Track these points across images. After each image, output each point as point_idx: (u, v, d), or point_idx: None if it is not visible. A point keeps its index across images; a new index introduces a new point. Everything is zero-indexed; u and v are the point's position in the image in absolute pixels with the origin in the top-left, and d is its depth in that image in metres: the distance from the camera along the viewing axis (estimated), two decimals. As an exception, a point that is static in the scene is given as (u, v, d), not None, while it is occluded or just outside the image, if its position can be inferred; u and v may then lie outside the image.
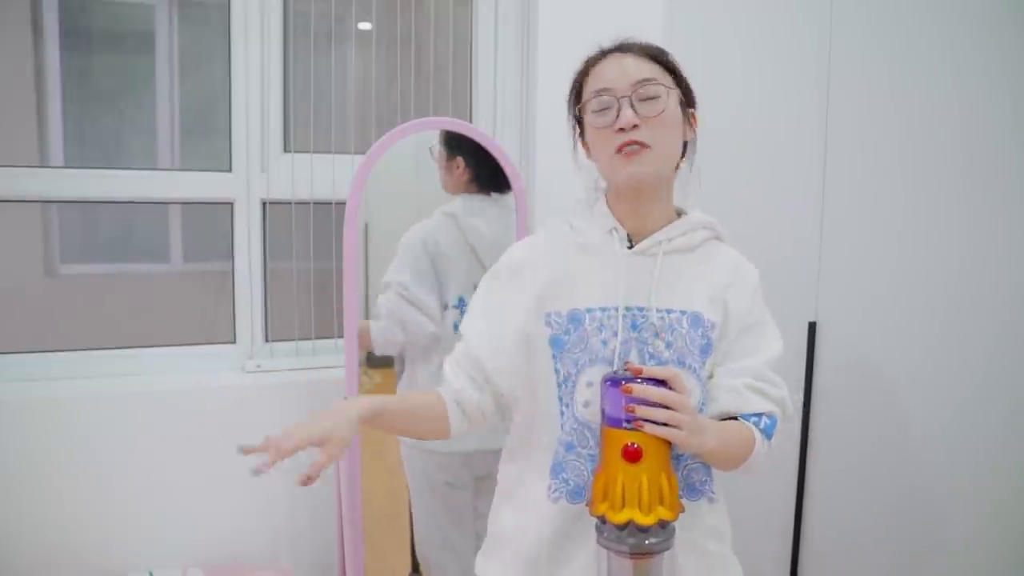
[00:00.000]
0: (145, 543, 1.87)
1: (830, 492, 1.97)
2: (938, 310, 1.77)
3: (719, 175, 2.11)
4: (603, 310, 1.14)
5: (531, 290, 1.17)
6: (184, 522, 1.90)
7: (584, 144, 1.21)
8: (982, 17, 1.69)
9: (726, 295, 1.17)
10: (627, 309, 1.13)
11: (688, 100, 1.20)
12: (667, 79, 1.16)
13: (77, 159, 2.23)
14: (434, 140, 1.89)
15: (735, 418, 1.14)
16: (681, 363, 1.12)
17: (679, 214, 1.22)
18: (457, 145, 1.87)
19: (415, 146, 1.85)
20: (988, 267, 1.69)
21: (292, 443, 1.03)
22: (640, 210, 1.17)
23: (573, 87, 1.22)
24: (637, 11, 2.03)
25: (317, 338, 2.07)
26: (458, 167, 1.88)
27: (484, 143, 1.84)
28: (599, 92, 1.14)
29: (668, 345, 1.12)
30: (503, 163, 1.85)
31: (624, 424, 0.98)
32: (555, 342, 1.14)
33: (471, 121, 2.17)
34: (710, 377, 1.16)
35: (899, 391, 1.85)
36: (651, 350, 1.12)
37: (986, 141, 1.69)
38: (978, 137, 1.70)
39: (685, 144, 1.20)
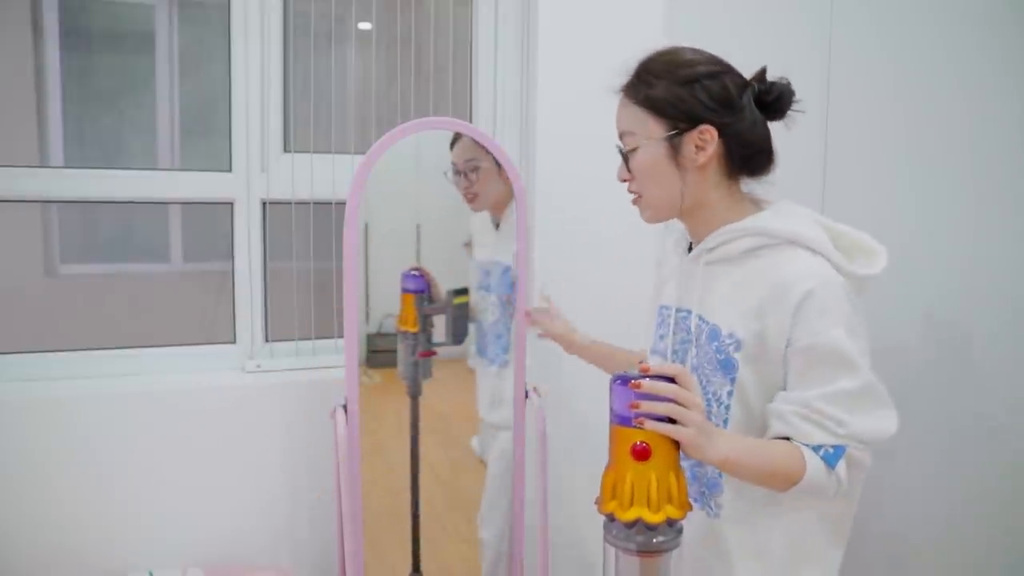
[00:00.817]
0: (145, 543, 1.87)
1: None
2: (940, 310, 1.77)
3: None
4: (666, 308, 1.26)
5: (657, 287, 1.35)
6: (184, 522, 1.90)
7: None
8: (984, 16, 1.69)
9: (763, 315, 1.09)
10: (688, 312, 1.20)
11: (685, 123, 1.14)
12: (644, 123, 1.15)
13: (77, 159, 2.23)
14: (446, 165, 1.87)
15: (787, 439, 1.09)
16: (695, 370, 1.15)
17: (759, 208, 1.20)
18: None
19: (415, 146, 1.84)
20: (991, 267, 1.69)
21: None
22: (690, 225, 1.23)
23: None
24: (637, 11, 2.03)
25: (317, 338, 2.07)
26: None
27: (484, 143, 1.84)
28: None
29: (696, 353, 1.17)
30: (503, 163, 1.84)
31: (632, 422, 0.98)
32: None
33: (471, 121, 2.17)
34: (770, 402, 1.11)
35: (900, 391, 1.85)
36: (692, 354, 1.18)
37: (988, 141, 1.69)
38: (980, 136, 1.70)
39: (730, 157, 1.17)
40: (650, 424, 0.96)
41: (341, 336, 1.91)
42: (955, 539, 1.76)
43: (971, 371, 1.73)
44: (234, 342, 2.05)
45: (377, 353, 1.91)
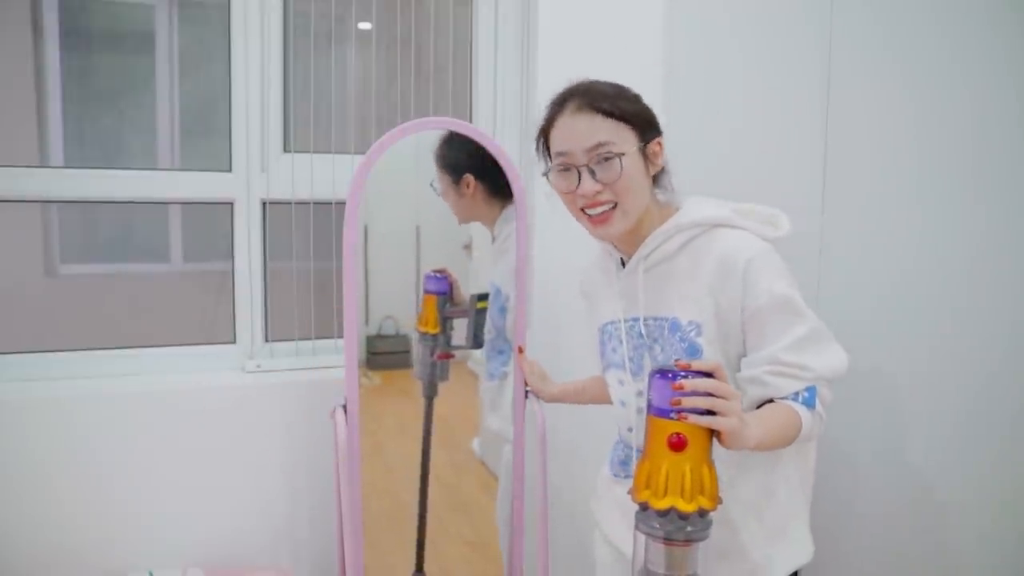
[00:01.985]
0: (145, 543, 1.87)
1: (831, 493, 1.97)
2: (940, 309, 1.77)
3: (719, 175, 2.10)
4: (612, 323, 1.32)
5: (588, 308, 1.43)
6: (184, 522, 1.90)
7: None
8: (984, 15, 1.69)
9: (714, 292, 1.20)
10: (634, 321, 1.27)
11: (649, 134, 1.23)
12: (621, 133, 1.20)
13: (77, 159, 2.23)
14: (432, 177, 1.86)
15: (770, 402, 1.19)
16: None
17: (677, 209, 1.28)
18: (460, 163, 1.82)
19: (415, 146, 1.84)
20: (991, 266, 1.69)
21: None
22: (626, 238, 1.28)
23: (541, 136, 1.28)
24: (637, 11, 2.03)
25: (317, 338, 2.07)
26: (465, 184, 1.85)
27: (484, 143, 1.83)
28: (559, 154, 1.23)
29: (662, 349, 1.24)
30: (503, 163, 1.84)
31: (671, 415, 1.01)
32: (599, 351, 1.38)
33: (471, 121, 2.17)
34: (737, 372, 1.22)
35: (901, 391, 1.85)
36: (652, 354, 1.25)
37: (988, 140, 1.69)
38: (980, 136, 1.70)
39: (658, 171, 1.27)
40: (693, 418, 1.00)
41: (341, 336, 1.91)
42: (961, 537, 1.77)
43: (970, 369, 1.73)
44: (234, 342, 2.05)
45: (376, 355, 1.91)
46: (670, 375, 1.02)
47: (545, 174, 1.28)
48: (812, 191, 1.96)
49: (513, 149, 2.13)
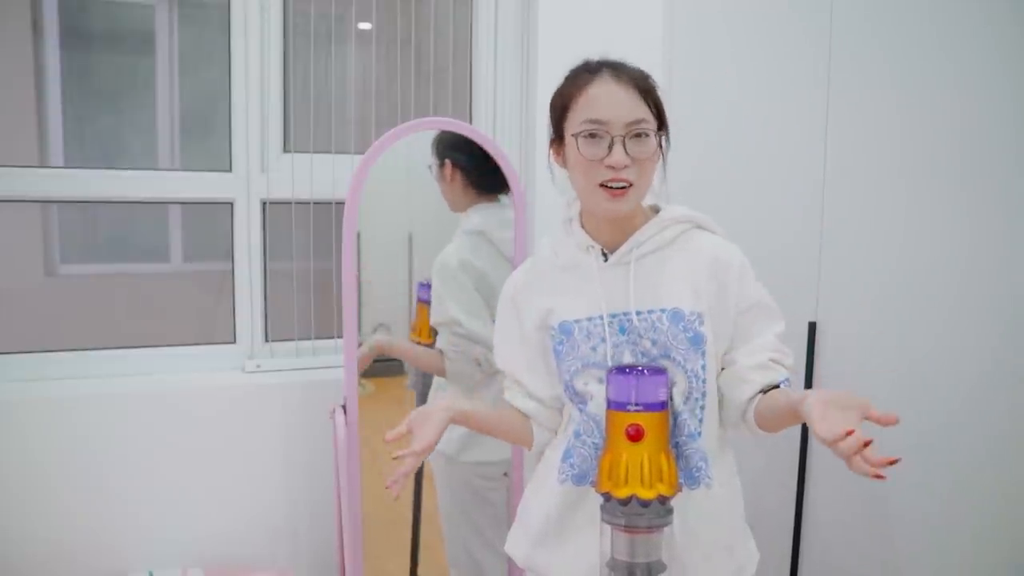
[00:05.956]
0: (145, 543, 1.87)
1: (830, 492, 1.97)
2: (939, 309, 1.77)
3: (719, 175, 2.10)
4: (589, 319, 1.24)
5: (534, 311, 1.28)
6: (184, 522, 1.90)
7: (558, 153, 1.25)
8: (983, 16, 1.69)
9: (710, 285, 1.22)
10: (612, 316, 1.22)
11: (662, 126, 1.23)
12: (650, 115, 1.20)
13: (77, 159, 2.23)
14: (430, 160, 1.87)
15: (776, 387, 1.21)
16: (667, 356, 1.20)
17: (656, 210, 1.28)
18: (446, 147, 1.84)
19: (414, 146, 1.84)
20: (989, 266, 1.69)
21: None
22: (615, 226, 1.25)
23: (559, 101, 1.24)
24: (637, 11, 2.03)
25: (317, 338, 2.08)
26: (446, 168, 1.85)
27: (484, 144, 1.83)
28: (594, 122, 1.18)
29: (653, 343, 1.20)
30: (502, 164, 1.84)
31: (628, 407, 1.06)
32: (555, 352, 1.25)
33: (471, 121, 2.17)
34: (723, 368, 1.24)
35: (900, 391, 1.85)
36: (640, 349, 1.21)
37: (988, 141, 1.69)
38: (979, 137, 1.70)
39: None
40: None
41: (340, 336, 1.91)
42: (955, 539, 1.77)
43: (973, 367, 1.73)
44: (234, 342, 2.05)
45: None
46: (628, 370, 1.09)
47: (554, 141, 1.25)
48: (812, 191, 1.96)
49: (513, 149, 2.13)
